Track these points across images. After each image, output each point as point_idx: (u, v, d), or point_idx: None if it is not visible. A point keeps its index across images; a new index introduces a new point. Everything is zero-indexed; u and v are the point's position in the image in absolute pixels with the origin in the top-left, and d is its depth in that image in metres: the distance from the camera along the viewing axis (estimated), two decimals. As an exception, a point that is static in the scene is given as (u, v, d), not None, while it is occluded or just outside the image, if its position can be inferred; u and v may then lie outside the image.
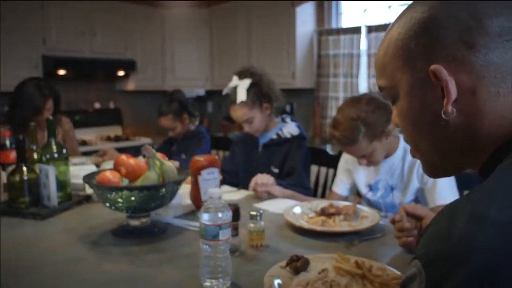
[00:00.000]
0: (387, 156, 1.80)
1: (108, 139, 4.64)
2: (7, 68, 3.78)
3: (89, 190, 1.84)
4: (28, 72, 3.70)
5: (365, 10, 4.13)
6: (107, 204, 1.35)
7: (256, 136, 2.27)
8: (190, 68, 4.99)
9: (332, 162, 2.41)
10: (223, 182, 2.09)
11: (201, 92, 5.23)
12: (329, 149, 2.53)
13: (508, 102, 0.59)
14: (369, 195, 1.90)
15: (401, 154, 1.80)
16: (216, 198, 1.01)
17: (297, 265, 1.04)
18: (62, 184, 1.75)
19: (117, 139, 4.61)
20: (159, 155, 1.44)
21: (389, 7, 3.97)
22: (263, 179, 1.86)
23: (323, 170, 2.53)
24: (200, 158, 1.57)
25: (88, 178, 1.41)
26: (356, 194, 2.16)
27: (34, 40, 3.96)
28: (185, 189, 1.65)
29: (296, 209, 1.60)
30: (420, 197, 1.78)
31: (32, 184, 1.70)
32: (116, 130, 4.90)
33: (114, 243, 1.35)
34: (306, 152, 2.20)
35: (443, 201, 1.65)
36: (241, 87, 2.14)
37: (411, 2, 0.69)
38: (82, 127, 4.38)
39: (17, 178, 1.68)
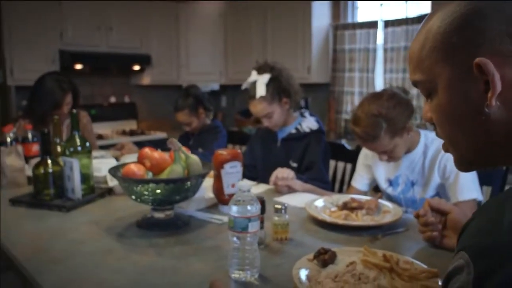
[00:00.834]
0: (407, 151, 1.80)
1: (123, 133, 4.68)
2: (25, 63, 3.83)
3: (111, 183, 1.86)
4: (45, 66, 3.76)
5: (381, 5, 4.11)
6: (133, 197, 1.37)
7: (275, 131, 2.28)
8: (205, 63, 5.00)
9: (350, 157, 2.42)
10: (242, 176, 2.10)
11: (216, 86, 5.25)
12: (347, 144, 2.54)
13: None
14: (389, 190, 1.90)
15: (422, 150, 1.80)
16: (245, 191, 1.02)
17: (325, 257, 1.04)
18: (85, 177, 1.77)
19: (132, 133, 4.65)
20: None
21: (406, 1, 3.94)
22: (283, 173, 1.87)
23: (340, 165, 2.53)
24: (223, 152, 1.58)
25: (113, 171, 1.43)
26: (373, 190, 2.17)
27: (52, 35, 4.01)
28: (206, 182, 1.67)
29: (318, 202, 1.61)
30: (441, 193, 1.77)
31: (57, 176, 1.72)
32: (131, 124, 4.94)
33: (140, 235, 1.37)
34: (325, 146, 2.21)
35: (465, 197, 1.65)
36: (261, 82, 2.14)
37: None
38: (97, 121, 4.41)
39: (41, 170, 1.71)
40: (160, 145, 1.92)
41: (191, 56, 4.95)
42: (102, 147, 3.24)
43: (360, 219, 1.46)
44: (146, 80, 4.85)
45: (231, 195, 1.56)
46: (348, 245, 1.26)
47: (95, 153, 2.44)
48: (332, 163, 2.47)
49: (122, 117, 4.88)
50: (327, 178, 2.19)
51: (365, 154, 2.00)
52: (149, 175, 1.46)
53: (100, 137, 4.24)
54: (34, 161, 2.10)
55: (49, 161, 1.72)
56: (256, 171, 2.33)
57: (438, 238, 1.24)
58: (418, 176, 1.81)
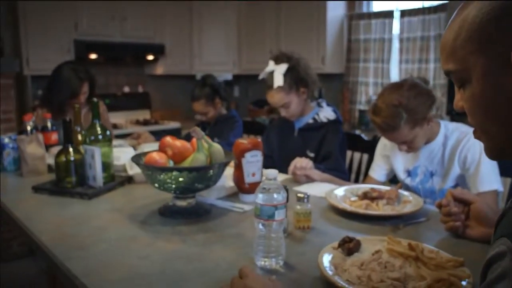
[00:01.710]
0: (427, 142, 1.79)
1: (137, 122, 4.71)
2: (41, 53, 3.86)
3: (131, 172, 1.88)
4: (60, 56, 3.78)
5: (397, -6, 4.07)
6: (156, 185, 1.39)
7: (291, 121, 2.28)
8: (218, 53, 5.00)
9: (366, 147, 2.41)
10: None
11: (229, 76, 5.25)
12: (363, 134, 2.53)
13: None
14: (407, 180, 1.90)
15: (442, 140, 1.79)
16: (272, 179, 1.03)
17: (350, 246, 1.05)
18: (106, 165, 1.79)
19: (145, 122, 4.68)
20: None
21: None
22: (302, 163, 1.87)
23: (357, 155, 2.53)
24: (244, 141, 1.59)
25: (136, 159, 1.44)
26: (389, 181, 2.16)
27: (67, 25, 4.03)
28: (226, 171, 1.67)
29: (338, 191, 1.61)
30: (460, 183, 1.77)
31: (78, 164, 1.74)
32: (144, 114, 4.96)
33: (163, 222, 1.39)
34: (342, 136, 2.21)
35: (486, 188, 1.64)
36: (278, 72, 2.14)
37: None
38: (111, 111, 4.40)
39: (63, 158, 1.73)
40: (174, 134, 1.93)
41: (204, 46, 4.95)
42: (117, 137, 3.27)
43: (381, 208, 1.46)
44: (159, 70, 4.86)
45: (251, 184, 1.59)
46: (370, 234, 1.26)
47: (113, 142, 2.47)
48: (348, 153, 2.47)
49: (136, 107, 4.90)
50: (345, 168, 2.20)
51: (383, 145, 2.00)
52: (170, 164, 1.47)
53: (114, 126, 4.27)
54: (54, 149, 2.13)
55: (71, 149, 1.74)
56: (272, 161, 2.33)
57: (461, 228, 1.24)
58: (437, 167, 1.80)
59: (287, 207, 1.28)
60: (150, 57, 4.71)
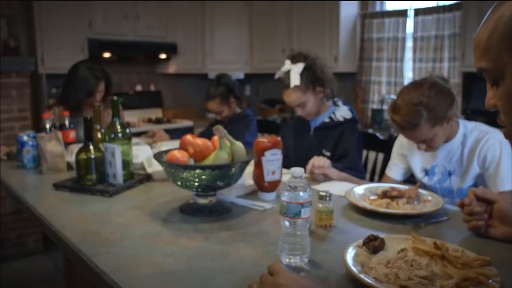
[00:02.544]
0: (446, 141, 1.79)
1: (149, 121, 4.73)
2: (56, 52, 3.90)
3: (149, 169, 1.89)
4: (74, 55, 3.82)
5: (410, -7, 4.05)
6: (178, 183, 1.40)
7: (307, 120, 2.28)
8: (230, 52, 5.01)
9: (382, 146, 2.41)
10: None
11: (240, 75, 5.26)
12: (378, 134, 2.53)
13: None
14: (425, 180, 1.89)
15: (461, 139, 1.78)
16: (298, 177, 1.03)
17: (375, 244, 1.05)
18: (125, 163, 1.80)
19: (158, 121, 4.70)
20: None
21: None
22: (319, 162, 1.88)
23: (372, 154, 2.53)
24: (264, 140, 1.59)
25: (158, 157, 1.46)
26: (405, 181, 2.16)
27: (81, 24, 4.06)
28: (246, 169, 1.68)
29: (357, 190, 1.62)
30: (479, 183, 1.76)
31: (98, 162, 1.76)
32: (156, 113, 4.99)
33: (184, 220, 1.40)
34: (358, 135, 2.21)
35: (506, 187, 1.64)
36: (294, 71, 2.14)
37: None
38: (124, 109, 4.44)
39: (84, 156, 1.75)
40: (187, 133, 1.94)
41: (216, 45, 4.96)
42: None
43: (401, 207, 1.46)
44: (171, 68, 4.88)
45: (270, 183, 1.59)
46: (392, 233, 1.26)
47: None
48: (363, 152, 2.47)
49: (148, 106, 4.93)
50: (361, 167, 2.20)
51: (400, 143, 2.00)
52: (191, 162, 1.48)
53: (127, 124, 4.30)
54: (72, 147, 2.15)
55: (91, 147, 1.75)
56: (288, 160, 2.33)
57: (484, 228, 1.24)
58: (455, 166, 1.80)
59: (309, 206, 1.30)
60: (163, 56, 4.73)
